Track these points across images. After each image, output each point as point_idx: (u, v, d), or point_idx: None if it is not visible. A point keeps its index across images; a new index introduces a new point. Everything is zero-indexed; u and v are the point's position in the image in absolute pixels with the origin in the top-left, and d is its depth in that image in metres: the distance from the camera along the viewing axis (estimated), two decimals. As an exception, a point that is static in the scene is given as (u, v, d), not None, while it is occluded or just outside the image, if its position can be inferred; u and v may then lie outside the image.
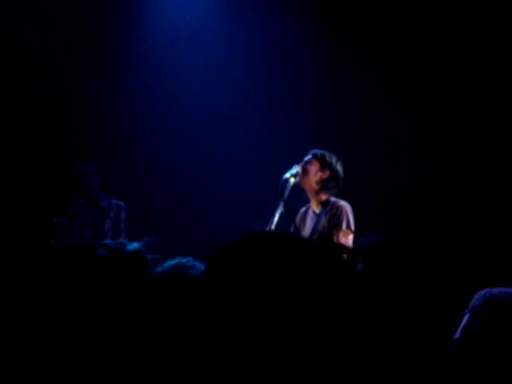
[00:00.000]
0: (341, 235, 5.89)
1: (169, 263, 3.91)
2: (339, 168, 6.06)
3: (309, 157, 6.11)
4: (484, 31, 7.44)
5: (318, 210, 6.08)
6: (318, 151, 6.11)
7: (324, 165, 6.04)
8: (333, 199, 6.06)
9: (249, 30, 8.14)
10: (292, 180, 6.04)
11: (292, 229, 6.23)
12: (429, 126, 7.71)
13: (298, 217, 6.26)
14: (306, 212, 6.22)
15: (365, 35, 7.83)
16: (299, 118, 7.99)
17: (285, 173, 6.07)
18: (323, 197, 6.08)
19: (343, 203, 6.00)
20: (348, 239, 5.90)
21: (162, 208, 8.36)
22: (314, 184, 6.05)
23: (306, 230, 6.10)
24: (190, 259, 3.88)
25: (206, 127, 8.34)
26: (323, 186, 6.05)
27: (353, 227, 5.94)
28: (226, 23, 8.27)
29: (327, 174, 6.03)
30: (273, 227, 5.85)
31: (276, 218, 5.90)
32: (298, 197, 6.71)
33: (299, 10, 7.99)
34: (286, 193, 6.01)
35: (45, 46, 8.06)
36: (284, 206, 5.96)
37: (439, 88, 7.66)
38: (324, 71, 8.04)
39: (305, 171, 6.05)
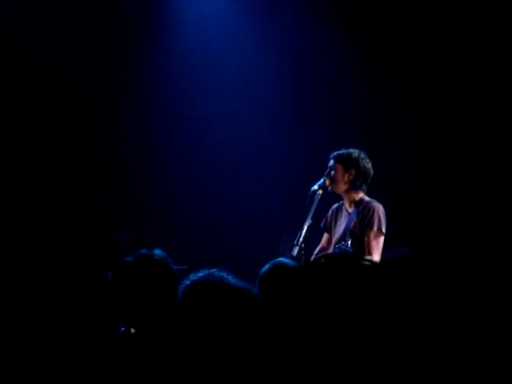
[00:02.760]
0: (372, 237, 5.82)
1: (197, 275, 3.86)
2: (364, 162, 6.01)
3: (331, 162, 6.06)
4: (488, 34, 7.42)
5: (350, 209, 6.03)
6: (338, 153, 6.06)
7: (348, 165, 6.00)
8: (366, 199, 6.00)
9: (276, 39, 8.16)
10: (320, 192, 6.00)
11: (322, 224, 6.20)
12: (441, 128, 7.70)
13: (330, 213, 6.21)
14: (338, 209, 6.17)
15: (388, 44, 7.82)
16: (330, 126, 7.95)
17: (312, 184, 6.04)
18: (356, 196, 6.03)
19: (376, 204, 5.93)
20: (379, 241, 5.84)
21: (188, 218, 8.33)
22: (344, 186, 6.01)
23: (338, 229, 6.05)
24: (215, 270, 3.84)
25: (232, 135, 8.32)
26: (353, 185, 6.01)
27: (384, 229, 5.87)
28: (254, 26, 8.26)
29: (353, 173, 5.99)
30: (301, 239, 5.78)
31: (304, 231, 5.84)
32: (327, 208, 6.66)
33: (327, 15, 7.98)
34: (315, 205, 5.95)
35: (73, 46, 8.10)
36: (312, 219, 5.90)
37: (452, 91, 7.65)
38: (349, 80, 8.01)
39: (332, 180, 6.00)
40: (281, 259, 3.92)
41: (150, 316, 3.46)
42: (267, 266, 3.84)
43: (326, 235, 6.19)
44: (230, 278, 3.67)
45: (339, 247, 5.81)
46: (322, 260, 2.21)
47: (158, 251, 3.71)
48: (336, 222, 6.13)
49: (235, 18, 8.32)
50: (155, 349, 3.03)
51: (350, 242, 5.74)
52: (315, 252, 6.15)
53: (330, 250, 5.92)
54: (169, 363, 2.78)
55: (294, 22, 8.14)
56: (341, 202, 6.17)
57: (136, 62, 8.29)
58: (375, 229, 5.84)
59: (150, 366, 2.92)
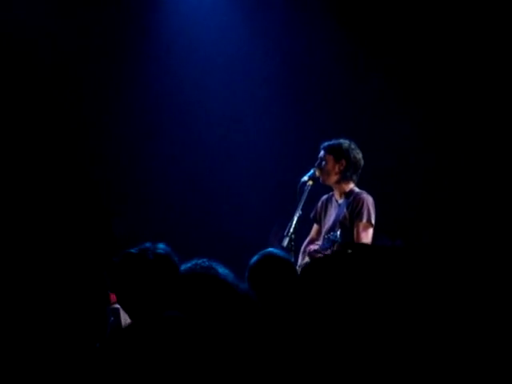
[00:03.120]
0: (361, 228, 5.83)
1: (186, 265, 3.88)
2: (355, 153, 6.01)
3: (322, 153, 6.06)
4: (485, 28, 7.46)
5: (340, 200, 6.04)
6: (329, 143, 6.06)
7: (338, 156, 6.00)
8: (356, 190, 6.01)
9: (268, 31, 8.15)
10: (310, 183, 6.00)
11: (312, 215, 6.20)
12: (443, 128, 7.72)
13: (319, 204, 6.22)
14: (328, 200, 6.18)
15: (380, 37, 7.85)
16: (318, 118, 7.97)
17: (302, 175, 6.04)
18: (346, 187, 6.03)
19: (365, 196, 5.94)
20: (368, 232, 5.84)
21: (177, 209, 8.35)
22: (334, 177, 6.01)
23: (328, 219, 6.06)
24: (205, 260, 3.86)
25: (223, 128, 8.35)
26: (343, 176, 6.01)
27: (373, 221, 5.87)
28: (245, 23, 8.26)
29: (344, 163, 5.99)
30: (291, 230, 5.79)
31: (294, 222, 5.84)
32: (317, 199, 6.67)
33: (317, 11, 7.98)
34: (305, 196, 5.95)
35: (63, 45, 8.08)
36: (302, 210, 5.91)
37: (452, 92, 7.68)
38: (340, 72, 8.03)
39: (323, 171, 6.00)
40: (270, 250, 3.93)
41: (153, 307, 3.48)
42: (256, 257, 3.85)
43: (315, 226, 6.20)
44: (219, 268, 3.69)
45: (328, 238, 5.81)
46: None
47: (161, 245, 3.74)
48: (326, 213, 6.14)
49: (225, 15, 8.33)
50: (159, 337, 3.05)
51: (339, 233, 5.75)
52: (305, 243, 6.17)
53: (320, 241, 5.92)
54: (172, 351, 2.80)
55: (284, 17, 8.15)
56: (331, 193, 6.18)
57: (128, 60, 8.30)
58: (364, 220, 5.84)
59: (153, 354, 2.94)
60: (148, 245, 3.74)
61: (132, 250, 3.73)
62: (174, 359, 2.85)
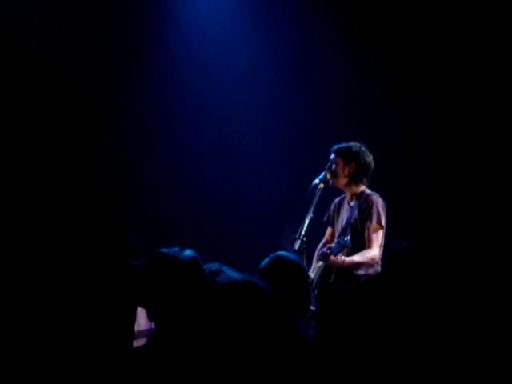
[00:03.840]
0: (371, 230, 5.86)
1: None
2: (365, 156, 6.02)
3: (332, 156, 6.08)
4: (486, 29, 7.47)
5: (352, 203, 6.05)
6: (339, 146, 6.08)
7: (348, 159, 6.01)
8: (367, 192, 6.02)
9: (276, 31, 8.17)
10: (321, 186, 6.02)
11: (325, 218, 6.23)
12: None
13: (332, 207, 6.25)
14: (340, 203, 6.20)
15: (387, 40, 7.87)
16: (329, 120, 7.98)
17: (314, 178, 6.06)
18: (356, 189, 6.04)
19: (375, 197, 5.95)
20: (378, 234, 5.86)
21: (191, 213, 8.37)
22: (344, 180, 6.03)
23: (341, 222, 6.07)
24: (216, 264, 3.89)
25: (233, 130, 8.36)
26: (353, 178, 6.02)
27: (383, 222, 5.88)
28: (252, 24, 8.28)
29: (354, 166, 6.01)
30: (303, 233, 5.81)
31: (306, 225, 5.86)
32: (328, 202, 6.69)
33: (326, 11, 8.01)
34: (316, 198, 5.97)
35: (65, 45, 8.10)
36: (314, 212, 5.93)
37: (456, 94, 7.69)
38: (350, 73, 8.04)
39: (333, 174, 6.02)
40: (281, 252, 3.95)
41: (183, 311, 3.52)
42: (267, 260, 3.87)
43: (329, 229, 6.22)
44: (230, 272, 3.72)
45: (338, 242, 5.83)
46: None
47: (189, 250, 3.77)
48: (338, 216, 6.15)
49: (231, 16, 8.35)
50: (198, 342, 3.07)
51: (349, 237, 5.76)
52: (319, 246, 6.18)
53: (333, 244, 5.94)
54: (211, 355, 2.82)
55: (292, 17, 8.16)
56: (343, 196, 6.19)
57: (135, 61, 8.32)
58: (374, 222, 5.86)
59: (192, 361, 2.96)
60: (176, 248, 3.78)
61: (164, 251, 3.77)
62: (212, 363, 2.87)
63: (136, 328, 4.58)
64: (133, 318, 3.67)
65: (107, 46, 8.25)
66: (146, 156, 8.45)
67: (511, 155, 7.46)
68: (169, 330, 3.21)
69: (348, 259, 5.78)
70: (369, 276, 5.75)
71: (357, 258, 5.81)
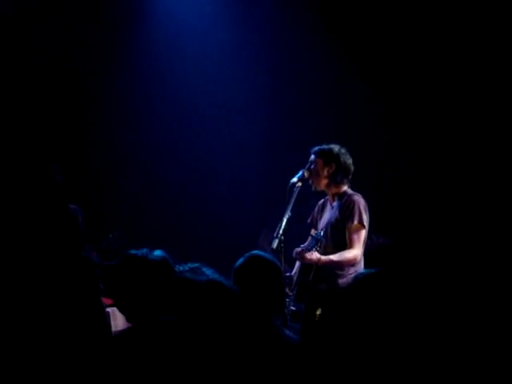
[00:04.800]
0: (352, 230, 5.83)
1: (178, 267, 3.91)
2: (345, 158, 6.01)
3: (312, 157, 6.07)
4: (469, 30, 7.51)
5: (334, 203, 6.04)
6: (319, 147, 6.07)
7: (328, 160, 5.99)
8: (349, 192, 6.00)
9: (258, 34, 8.17)
10: (299, 184, 6.01)
11: (309, 220, 6.22)
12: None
13: (316, 209, 6.23)
14: (323, 204, 6.19)
15: (366, 40, 7.92)
16: (307, 120, 7.99)
17: (291, 178, 6.05)
18: (338, 190, 6.03)
19: (356, 197, 5.92)
20: (360, 234, 5.84)
21: (166, 213, 8.37)
22: (324, 181, 6.01)
23: (322, 223, 6.05)
24: (196, 264, 3.88)
25: (211, 130, 8.36)
26: (333, 179, 6.00)
27: (365, 222, 5.86)
28: (231, 21, 8.27)
29: (333, 167, 5.98)
30: (281, 232, 5.80)
31: (284, 224, 5.85)
32: (307, 200, 6.68)
33: (306, 10, 8.01)
34: (294, 197, 5.97)
35: (50, 44, 8.08)
36: (292, 211, 5.92)
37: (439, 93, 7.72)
38: (331, 76, 8.06)
39: (312, 173, 6.01)
40: (256, 252, 3.94)
41: (150, 310, 3.52)
42: (242, 259, 3.87)
43: (313, 230, 6.19)
44: (207, 271, 3.71)
45: (312, 236, 5.82)
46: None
47: (159, 251, 3.77)
48: (321, 217, 6.13)
49: (211, 16, 8.35)
50: (155, 341, 3.07)
51: (323, 232, 5.76)
52: (303, 245, 6.15)
53: (306, 242, 5.93)
54: (167, 354, 2.82)
55: (274, 20, 8.17)
56: (326, 198, 6.18)
57: (115, 60, 8.32)
58: (356, 222, 5.83)
59: (149, 358, 2.96)
60: (146, 250, 3.78)
61: (133, 252, 3.77)
62: (168, 362, 2.87)
63: (113, 329, 4.57)
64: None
65: (90, 45, 8.25)
66: (125, 156, 8.44)
67: (482, 153, 7.51)
68: (133, 328, 3.20)
69: (324, 257, 5.76)
70: (349, 275, 5.75)
71: (334, 257, 5.78)
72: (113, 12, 8.28)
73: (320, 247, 5.73)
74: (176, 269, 3.96)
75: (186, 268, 3.90)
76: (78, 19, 8.18)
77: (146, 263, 3.66)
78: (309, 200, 6.69)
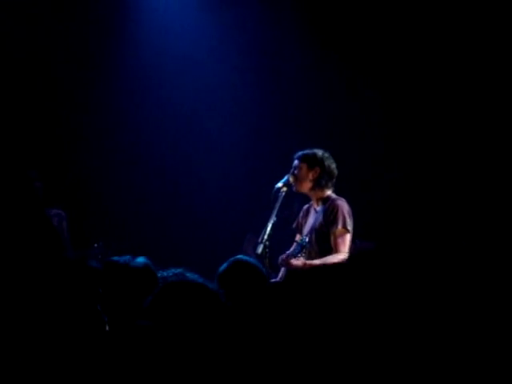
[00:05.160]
0: (337, 234, 5.82)
1: (162, 273, 3.90)
2: (329, 162, 6.02)
3: (296, 162, 6.07)
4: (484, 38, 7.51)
5: (318, 208, 6.03)
6: (302, 152, 6.07)
7: (312, 164, 5.99)
8: (333, 197, 5.99)
9: (241, 32, 8.17)
10: (284, 189, 6.01)
11: (294, 225, 6.21)
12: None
13: (301, 214, 6.22)
14: (308, 209, 6.17)
15: (347, 41, 7.91)
16: (294, 125, 8.00)
17: (276, 183, 6.04)
18: (322, 194, 6.02)
19: (340, 202, 5.92)
20: (344, 238, 5.83)
21: (152, 217, 8.35)
22: (308, 185, 6.01)
23: (307, 228, 6.04)
24: (180, 270, 3.87)
25: (195, 133, 8.35)
26: (317, 183, 5.99)
27: (349, 226, 5.85)
28: (216, 21, 8.27)
29: (318, 171, 5.98)
30: (265, 237, 5.79)
31: (268, 229, 5.85)
32: (291, 205, 6.68)
33: (290, 11, 8.02)
34: (279, 202, 5.96)
35: (36, 45, 8.07)
36: (277, 216, 5.92)
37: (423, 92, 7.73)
38: (315, 78, 8.06)
39: (296, 178, 6.01)
40: (239, 256, 3.94)
41: (130, 316, 3.51)
42: (225, 264, 3.86)
43: (298, 236, 6.18)
44: (190, 276, 3.70)
45: (297, 243, 5.82)
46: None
47: (141, 258, 3.76)
48: (306, 222, 6.13)
49: (193, 16, 8.34)
50: (130, 346, 3.06)
51: (308, 238, 5.76)
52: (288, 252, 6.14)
53: (292, 248, 5.92)
54: (141, 360, 2.82)
55: (254, 18, 8.17)
56: (311, 203, 6.18)
57: (95, 61, 8.30)
58: (340, 226, 5.82)
59: (125, 363, 2.94)
60: (128, 256, 3.77)
61: (115, 259, 3.76)
62: (143, 368, 2.86)
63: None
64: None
65: (70, 47, 8.22)
66: (110, 161, 8.41)
67: (466, 156, 7.54)
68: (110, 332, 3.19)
69: (309, 262, 5.76)
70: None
71: (320, 262, 5.76)
72: (97, 11, 8.25)
73: (305, 253, 5.72)
74: (159, 274, 3.95)
75: (170, 274, 3.90)
76: (62, 19, 8.16)
77: (128, 270, 3.65)
78: (293, 205, 6.69)
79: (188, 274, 3.86)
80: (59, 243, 3.73)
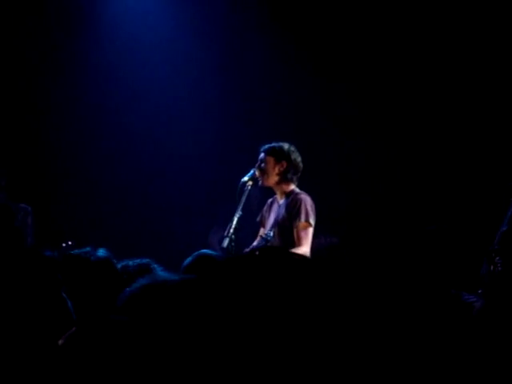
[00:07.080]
0: (299, 228, 5.84)
1: (127, 262, 3.89)
2: (295, 155, 6.03)
3: (262, 155, 6.08)
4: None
5: (281, 201, 6.05)
6: (269, 146, 6.08)
7: (279, 157, 6.01)
8: (296, 191, 6.01)
9: (208, 31, 8.16)
10: (250, 183, 6.01)
11: (258, 219, 6.23)
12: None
13: (265, 207, 6.24)
14: (272, 203, 6.19)
15: (315, 37, 7.93)
16: (258, 119, 8.01)
17: (242, 176, 6.05)
18: (286, 188, 6.03)
19: (303, 196, 5.94)
20: (307, 232, 5.85)
21: (115, 210, 8.33)
22: (275, 178, 6.02)
23: (270, 221, 6.05)
24: (146, 260, 3.88)
25: (162, 128, 8.34)
26: (283, 177, 6.01)
27: (311, 220, 5.87)
28: (181, 22, 8.26)
29: (284, 165, 6.00)
30: (231, 231, 5.80)
31: (234, 223, 5.85)
32: (257, 198, 6.69)
33: (255, 8, 8.03)
34: (244, 196, 5.97)
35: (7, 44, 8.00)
36: (242, 210, 5.92)
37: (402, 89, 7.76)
38: (280, 74, 8.08)
39: (263, 171, 6.02)
40: (204, 251, 3.95)
41: (96, 309, 3.50)
42: (190, 258, 3.87)
43: (261, 230, 6.18)
44: (160, 271, 3.70)
45: (261, 237, 5.83)
46: (257, 253, 2.27)
47: (102, 250, 3.75)
48: (269, 216, 6.14)
49: (163, 15, 8.33)
50: (106, 340, 3.05)
51: (272, 232, 5.77)
52: (252, 245, 6.16)
53: (255, 242, 5.93)
54: (117, 355, 2.81)
55: (224, 18, 8.18)
56: (274, 196, 6.20)
57: (63, 62, 8.26)
58: (303, 220, 5.85)
59: (100, 359, 2.93)
60: (88, 249, 3.76)
61: (74, 252, 3.74)
62: (119, 363, 2.85)
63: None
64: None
65: (37, 47, 8.17)
66: (74, 158, 8.39)
67: (433, 145, 7.58)
68: (82, 327, 3.18)
69: (272, 256, 5.76)
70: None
71: (281, 255, 5.78)
72: (67, 10, 8.21)
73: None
74: (125, 263, 3.95)
75: (136, 263, 3.90)
76: (30, 16, 8.11)
77: (89, 263, 3.64)
78: (258, 198, 6.70)
79: (154, 266, 3.86)
80: (15, 234, 3.71)
